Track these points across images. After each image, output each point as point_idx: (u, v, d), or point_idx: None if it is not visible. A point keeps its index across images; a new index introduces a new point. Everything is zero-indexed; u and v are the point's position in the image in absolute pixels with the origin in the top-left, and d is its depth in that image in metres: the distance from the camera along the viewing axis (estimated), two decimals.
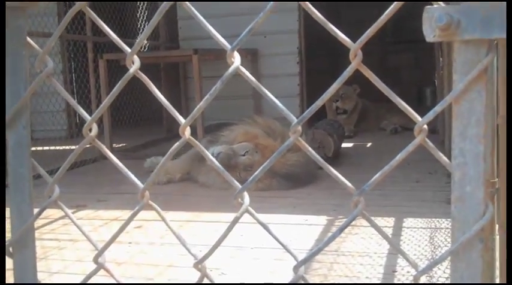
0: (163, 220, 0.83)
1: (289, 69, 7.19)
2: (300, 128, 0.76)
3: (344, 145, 5.56)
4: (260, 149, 4.14)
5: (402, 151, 0.72)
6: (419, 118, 0.71)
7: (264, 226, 0.82)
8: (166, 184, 4.42)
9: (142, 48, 7.46)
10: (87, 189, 4.34)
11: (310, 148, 0.78)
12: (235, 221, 0.79)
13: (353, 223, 2.99)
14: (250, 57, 7.16)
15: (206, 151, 0.81)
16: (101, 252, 0.88)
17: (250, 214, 0.81)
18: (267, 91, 0.79)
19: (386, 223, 3.04)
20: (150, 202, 0.84)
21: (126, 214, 3.50)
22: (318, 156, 0.78)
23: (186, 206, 3.66)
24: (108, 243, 0.87)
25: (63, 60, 7.65)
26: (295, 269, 0.79)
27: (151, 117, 8.10)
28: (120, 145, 6.58)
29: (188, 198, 3.97)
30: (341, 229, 0.74)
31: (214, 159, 0.82)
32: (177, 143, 0.80)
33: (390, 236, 2.80)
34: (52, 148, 5.80)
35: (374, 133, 7.03)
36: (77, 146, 0.95)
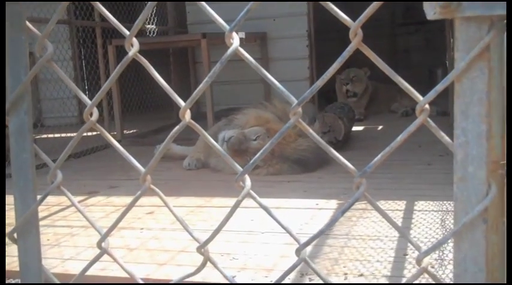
0: (166, 204, 0.83)
1: (298, 53, 7.15)
2: (300, 110, 0.75)
3: (354, 128, 5.54)
4: (271, 134, 4.13)
5: (404, 131, 0.71)
6: (421, 98, 0.70)
7: (266, 210, 0.82)
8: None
9: (151, 33, 7.45)
10: (99, 176, 4.37)
11: (311, 130, 0.78)
12: (237, 205, 0.79)
13: (364, 206, 2.99)
14: (259, 40, 7.13)
15: (207, 134, 0.80)
16: (104, 237, 0.89)
17: (252, 197, 0.81)
18: (266, 73, 0.78)
19: (398, 206, 3.03)
20: (152, 187, 0.84)
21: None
22: (318, 138, 0.77)
23: (197, 191, 3.68)
24: (111, 229, 0.87)
25: (72, 47, 7.66)
26: (297, 251, 0.78)
27: (162, 102, 8.11)
28: (131, 131, 6.61)
29: (199, 183, 3.99)
30: (343, 211, 0.73)
31: (214, 142, 0.81)
32: (176, 127, 0.80)
33: (401, 219, 2.79)
34: (63, 135, 5.83)
35: (385, 115, 7.00)
36: (79, 132, 0.94)
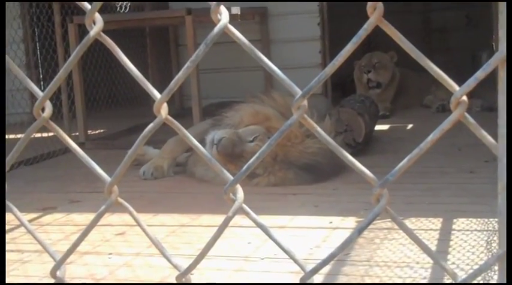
0: (137, 222, 0.82)
1: (307, 33, 7.16)
2: (305, 103, 0.75)
3: (378, 127, 5.54)
4: (273, 134, 4.13)
5: (436, 130, 0.71)
6: (457, 88, 0.70)
7: (264, 229, 0.82)
8: (160, 179, 4.45)
9: (123, 9, 7.46)
10: (57, 187, 4.36)
11: (318, 128, 0.78)
12: (227, 222, 0.79)
13: (390, 225, 2.98)
14: (259, 17, 7.14)
15: (188, 134, 0.80)
16: (59, 264, 0.88)
17: (245, 212, 0.81)
18: (262, 56, 0.78)
19: (432, 224, 3.03)
20: (120, 200, 0.84)
21: (104, 217, 3.52)
22: (327, 136, 0.77)
23: (180, 207, 3.67)
24: (68, 254, 0.87)
25: (23, 26, 7.65)
26: (302, 280, 0.78)
27: (137, 95, 8.12)
28: (98, 132, 6.61)
29: (183, 196, 3.98)
30: (359, 230, 0.73)
31: (197, 143, 0.81)
32: (151, 125, 0.79)
33: (436, 241, 2.79)
34: (12, 136, 5.76)
35: (416, 111, 7.00)
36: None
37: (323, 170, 4.09)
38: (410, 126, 6.16)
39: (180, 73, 0.79)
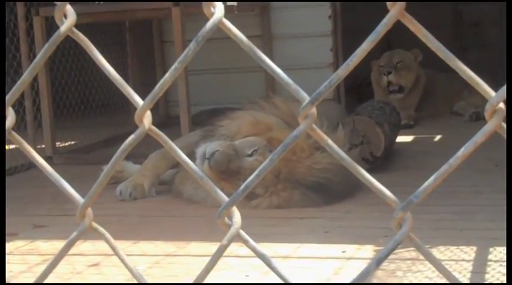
0: (115, 251, 0.83)
1: (316, 27, 7.18)
2: (314, 110, 0.76)
3: (399, 138, 5.55)
4: (275, 147, 4.12)
5: (467, 142, 0.72)
6: (492, 93, 0.70)
7: (264, 258, 0.82)
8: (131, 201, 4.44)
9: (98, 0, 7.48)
10: (19, 209, 4.36)
11: (329, 140, 0.78)
12: (221, 251, 0.79)
13: (415, 255, 2.98)
14: (259, 10, 7.16)
15: (175, 146, 0.80)
16: None
17: (243, 240, 0.81)
18: (262, 55, 0.79)
19: (465, 254, 3.03)
20: (94, 225, 0.84)
21: (75, 246, 3.51)
22: (339, 150, 0.77)
23: (164, 233, 3.67)
24: None
25: None
26: None
27: (115, 102, 8.13)
28: (68, 144, 6.61)
29: (168, 220, 3.98)
30: (378, 261, 0.73)
31: (187, 159, 0.82)
32: (131, 137, 0.80)
33: (469, 273, 2.80)
34: None
35: (445, 120, 7.01)
36: None
37: (335, 190, 4.09)
38: (437, 137, 6.16)
39: (167, 75, 0.80)
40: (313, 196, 4.05)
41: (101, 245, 3.20)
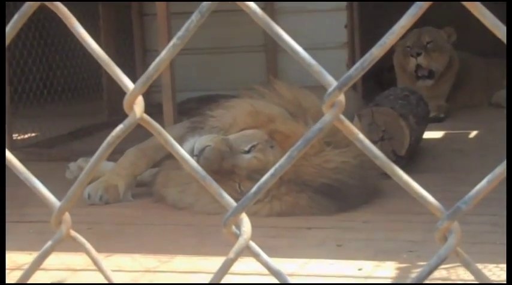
0: (97, 265, 0.82)
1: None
2: (342, 98, 0.75)
3: (427, 134, 5.54)
4: (278, 142, 4.13)
5: None
6: None
7: (280, 277, 0.81)
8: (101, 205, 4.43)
9: None
10: None
11: (361, 135, 0.77)
12: (227, 266, 0.79)
13: (446, 275, 2.98)
14: None
15: (172, 140, 0.80)
16: None
17: (253, 253, 0.80)
18: (283, 33, 0.78)
19: (505, 273, 3.03)
20: (73, 233, 0.83)
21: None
22: (374, 148, 0.77)
23: (144, 244, 3.67)
24: None
25: None
26: None
27: (84, 86, 8.11)
28: (28, 136, 6.60)
29: (148, 229, 3.99)
30: (419, 280, 0.73)
31: (187, 155, 0.81)
32: (120, 127, 0.79)
33: None
34: None
35: (482, 112, 7.00)
36: None
37: (349, 195, 4.09)
38: (473, 133, 6.15)
39: (163, 53, 0.79)
40: (323, 202, 4.04)
41: (66, 259, 3.20)
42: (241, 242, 0.80)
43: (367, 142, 0.78)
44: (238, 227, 0.82)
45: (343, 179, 4.05)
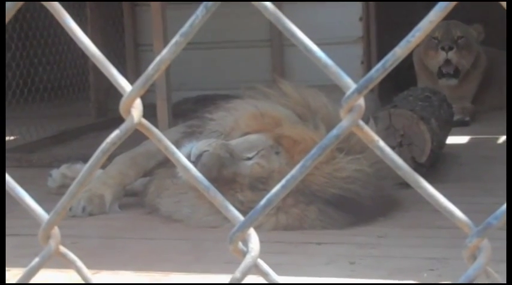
0: (88, 282, 0.83)
1: None
2: (362, 102, 0.75)
3: (451, 139, 5.54)
4: (285, 148, 4.13)
5: None
6: None
7: None
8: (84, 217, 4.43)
9: None
10: None
11: (381, 142, 0.78)
12: None
13: None
14: None
15: (173, 147, 0.80)
16: None
17: (261, 272, 0.81)
18: (295, 29, 0.79)
19: None
20: (62, 249, 0.84)
21: (18, 275, 3.52)
22: (395, 156, 0.77)
23: (134, 260, 3.68)
24: None
25: None
26: None
27: (69, 84, 8.12)
28: (7, 139, 6.60)
29: (139, 244, 3.99)
30: None
31: (189, 164, 0.82)
32: (116, 132, 0.80)
33: None
34: None
35: None
36: None
37: (363, 207, 4.08)
38: (502, 138, 6.15)
39: (165, 52, 0.79)
40: (334, 214, 4.04)
41: (48, 275, 3.21)
42: (248, 260, 0.80)
43: (388, 150, 0.79)
44: (246, 243, 0.82)
45: (356, 190, 4.04)
